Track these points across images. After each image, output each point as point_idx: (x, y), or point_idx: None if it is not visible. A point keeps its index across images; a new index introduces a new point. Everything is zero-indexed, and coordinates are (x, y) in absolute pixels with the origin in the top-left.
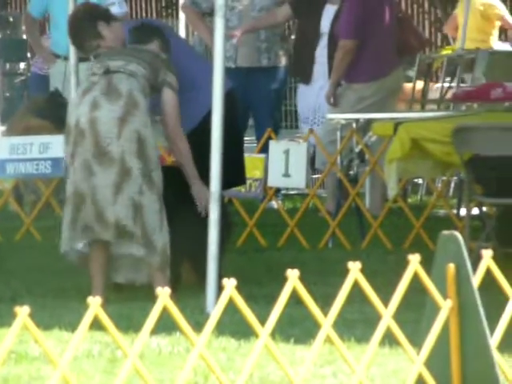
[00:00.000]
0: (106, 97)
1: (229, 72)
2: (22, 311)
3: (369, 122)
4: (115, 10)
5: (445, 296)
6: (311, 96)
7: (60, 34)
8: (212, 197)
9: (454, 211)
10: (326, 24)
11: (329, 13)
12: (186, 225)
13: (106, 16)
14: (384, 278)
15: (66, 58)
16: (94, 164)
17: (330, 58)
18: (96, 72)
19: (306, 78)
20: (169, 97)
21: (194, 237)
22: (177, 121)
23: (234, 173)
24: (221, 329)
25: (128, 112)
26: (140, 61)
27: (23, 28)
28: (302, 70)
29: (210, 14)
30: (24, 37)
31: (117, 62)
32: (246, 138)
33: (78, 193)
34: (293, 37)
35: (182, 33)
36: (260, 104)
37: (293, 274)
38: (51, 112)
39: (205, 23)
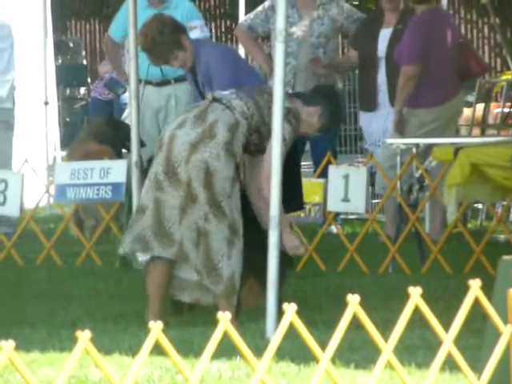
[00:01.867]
0: (193, 120)
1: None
2: (84, 335)
3: (429, 146)
4: (197, 34)
5: (506, 321)
6: (379, 123)
7: (140, 58)
8: (272, 221)
9: None
10: (382, 48)
11: (384, 36)
12: (250, 249)
13: (186, 30)
14: (444, 303)
15: (147, 82)
16: (164, 180)
17: (389, 81)
18: (207, 97)
19: (371, 106)
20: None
21: (259, 261)
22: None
23: (292, 198)
24: (281, 354)
25: (201, 140)
26: (250, 101)
27: (83, 53)
28: (365, 98)
29: (264, 38)
30: (84, 62)
31: (226, 94)
32: (302, 163)
33: (140, 203)
34: None
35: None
36: None
37: (353, 299)
38: (111, 137)
39: (261, 48)
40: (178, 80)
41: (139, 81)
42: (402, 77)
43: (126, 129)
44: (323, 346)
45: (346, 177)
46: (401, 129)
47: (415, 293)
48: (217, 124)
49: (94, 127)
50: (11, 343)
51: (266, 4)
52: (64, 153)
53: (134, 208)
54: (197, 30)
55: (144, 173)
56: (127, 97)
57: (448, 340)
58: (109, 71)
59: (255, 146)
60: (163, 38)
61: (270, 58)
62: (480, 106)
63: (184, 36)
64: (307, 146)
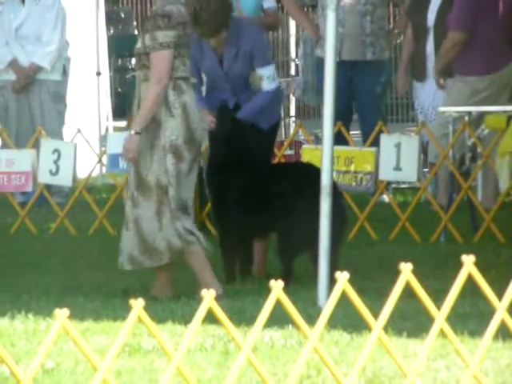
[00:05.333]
0: None
1: None
2: (137, 304)
3: (481, 115)
4: (268, 4)
5: None
6: (429, 93)
7: None
8: (323, 190)
9: None
10: (431, 18)
11: (434, 6)
12: (304, 219)
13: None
14: (497, 271)
15: None
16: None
17: (436, 51)
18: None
19: (420, 76)
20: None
21: (312, 230)
22: None
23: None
24: (333, 322)
25: None
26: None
27: (134, 24)
28: (415, 67)
29: (313, 6)
30: (135, 32)
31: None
32: (351, 132)
33: None
34: (396, 31)
35: (293, 28)
36: (364, 97)
37: (406, 268)
38: None
39: (308, 17)
40: None
41: None
42: (448, 42)
43: None
44: (375, 314)
45: (398, 145)
46: (442, 86)
47: (468, 261)
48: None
49: None
50: (65, 312)
51: None
52: (116, 123)
53: None
54: (268, 1)
55: None
56: None
57: (501, 308)
58: None
59: None
60: (219, 16)
61: (316, 27)
62: None
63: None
64: (355, 116)
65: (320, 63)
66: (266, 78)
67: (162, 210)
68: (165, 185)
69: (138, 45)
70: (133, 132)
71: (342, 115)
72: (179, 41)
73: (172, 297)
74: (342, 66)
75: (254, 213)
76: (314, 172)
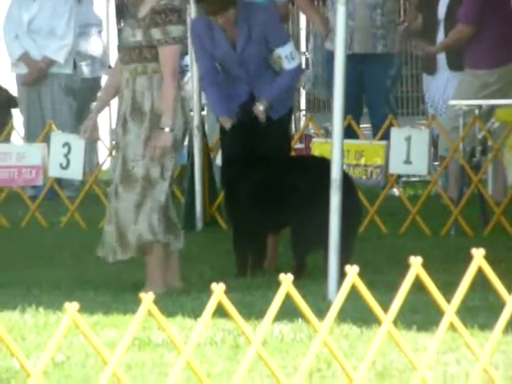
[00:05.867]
0: None
1: None
2: (147, 298)
3: (491, 108)
4: None
5: None
6: (439, 87)
7: None
8: (333, 184)
9: None
10: (442, 11)
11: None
12: (318, 214)
13: None
14: (507, 265)
15: None
16: None
17: None
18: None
19: (431, 69)
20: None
21: (327, 225)
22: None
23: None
24: (343, 316)
25: None
26: None
27: None
28: (426, 61)
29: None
30: None
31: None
32: (361, 125)
33: None
34: (405, 24)
35: (303, 21)
36: (374, 91)
37: (416, 261)
38: None
39: (318, 11)
40: None
41: None
42: (456, 34)
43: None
44: (385, 307)
45: (409, 139)
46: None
47: (478, 254)
48: None
49: None
50: (75, 305)
51: None
52: None
53: (196, 171)
54: None
55: None
56: (188, 60)
57: (511, 301)
58: None
59: None
60: None
61: (326, 20)
62: None
63: None
64: (365, 109)
65: (330, 57)
66: (285, 57)
67: (142, 202)
68: (154, 178)
69: (137, 37)
70: (167, 130)
71: (352, 108)
72: (183, 36)
73: (182, 291)
74: (352, 60)
75: (267, 207)
76: (328, 166)
